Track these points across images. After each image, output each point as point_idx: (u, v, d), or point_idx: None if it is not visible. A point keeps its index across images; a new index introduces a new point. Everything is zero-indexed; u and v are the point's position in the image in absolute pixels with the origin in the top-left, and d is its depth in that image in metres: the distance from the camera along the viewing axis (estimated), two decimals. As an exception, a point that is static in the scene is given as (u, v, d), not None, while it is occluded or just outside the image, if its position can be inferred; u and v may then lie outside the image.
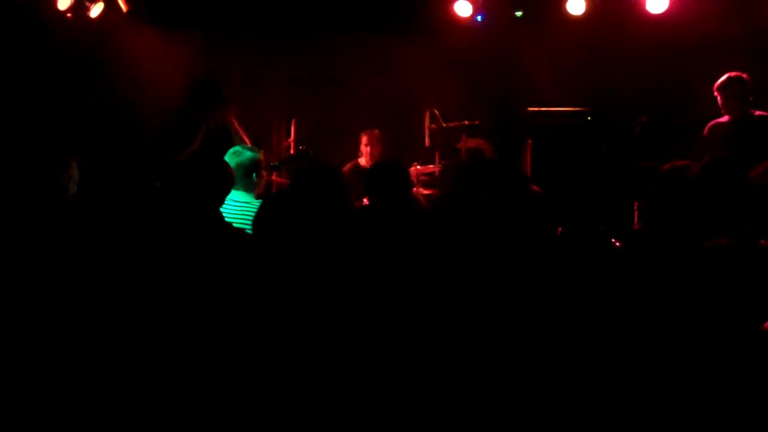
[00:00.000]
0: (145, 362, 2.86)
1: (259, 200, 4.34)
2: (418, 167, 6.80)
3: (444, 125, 6.90)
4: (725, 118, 5.84)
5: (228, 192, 3.77)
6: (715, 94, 5.81)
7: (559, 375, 2.80)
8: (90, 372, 2.86)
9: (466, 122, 6.80)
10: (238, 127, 5.88)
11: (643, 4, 6.77)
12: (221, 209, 4.30)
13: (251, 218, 3.26)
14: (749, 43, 6.74)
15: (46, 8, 6.87)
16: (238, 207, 4.34)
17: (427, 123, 6.96)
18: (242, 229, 3.67)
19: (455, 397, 2.72)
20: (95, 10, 7.06)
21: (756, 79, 5.85)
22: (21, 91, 7.02)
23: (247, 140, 5.73)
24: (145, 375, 2.84)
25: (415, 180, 6.55)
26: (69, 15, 6.98)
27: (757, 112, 5.77)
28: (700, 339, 2.74)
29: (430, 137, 6.98)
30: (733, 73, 5.77)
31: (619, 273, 3.39)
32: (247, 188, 4.48)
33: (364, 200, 5.24)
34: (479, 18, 7.47)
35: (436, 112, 6.93)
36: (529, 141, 6.93)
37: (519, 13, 7.55)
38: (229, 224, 3.64)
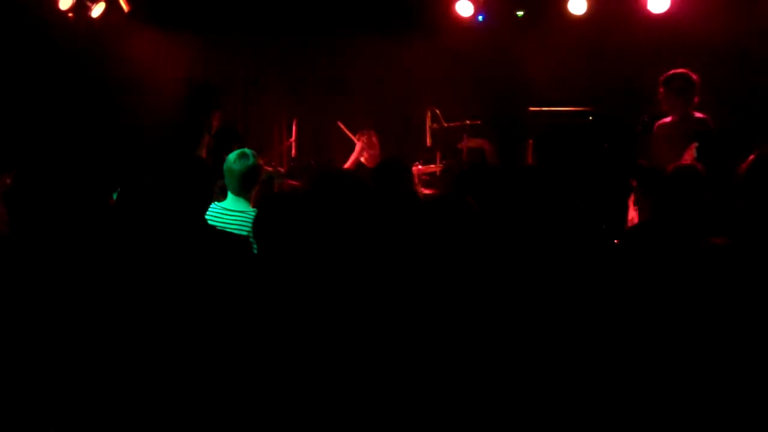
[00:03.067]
0: (137, 366, 2.84)
1: (254, 209, 4.11)
2: (420, 167, 6.81)
3: (445, 125, 6.91)
4: (669, 118, 5.77)
5: (208, 190, 3.50)
6: (660, 88, 5.70)
7: (556, 375, 2.80)
8: (79, 377, 2.84)
9: (468, 122, 6.80)
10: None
11: (644, 4, 6.77)
12: (219, 219, 4.09)
13: (247, 227, 3.16)
14: (749, 43, 6.74)
15: (47, 8, 6.88)
16: (232, 216, 4.10)
17: (428, 123, 6.97)
18: (229, 231, 3.55)
19: (452, 397, 2.72)
20: (96, 10, 7.07)
21: (756, 79, 5.83)
22: (22, 90, 7.01)
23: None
24: (137, 380, 2.82)
25: (416, 180, 6.55)
26: (70, 15, 6.99)
27: (698, 114, 5.65)
28: (696, 339, 2.74)
29: (432, 137, 6.99)
30: (680, 70, 5.67)
31: (619, 273, 3.39)
32: (246, 196, 4.18)
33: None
34: (480, 18, 7.49)
35: (438, 111, 6.93)
36: (530, 141, 6.94)
37: (520, 13, 7.57)
38: (213, 227, 3.49)
